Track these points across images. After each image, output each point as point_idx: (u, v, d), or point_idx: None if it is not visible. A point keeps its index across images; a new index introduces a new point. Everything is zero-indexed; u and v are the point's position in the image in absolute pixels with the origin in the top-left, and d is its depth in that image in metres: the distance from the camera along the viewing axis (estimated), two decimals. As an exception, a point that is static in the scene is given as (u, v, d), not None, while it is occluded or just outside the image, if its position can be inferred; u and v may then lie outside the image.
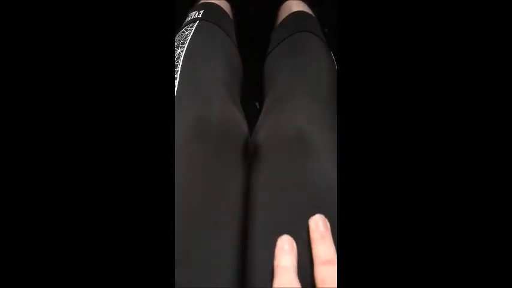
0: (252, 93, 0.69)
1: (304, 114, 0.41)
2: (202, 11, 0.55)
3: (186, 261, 0.31)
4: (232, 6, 0.64)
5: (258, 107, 0.79)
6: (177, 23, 0.58)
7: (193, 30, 0.51)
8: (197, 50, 0.48)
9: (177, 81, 0.44)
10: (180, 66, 0.46)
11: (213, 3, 0.59)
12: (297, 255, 0.29)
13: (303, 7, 0.61)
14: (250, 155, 0.41)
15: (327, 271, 0.27)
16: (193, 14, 0.55)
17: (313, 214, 0.31)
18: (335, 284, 0.26)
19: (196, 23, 0.53)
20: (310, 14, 0.60)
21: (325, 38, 0.56)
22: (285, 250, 0.29)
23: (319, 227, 0.30)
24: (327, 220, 0.31)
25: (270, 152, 0.38)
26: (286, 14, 0.60)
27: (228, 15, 0.60)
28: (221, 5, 0.59)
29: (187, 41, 0.49)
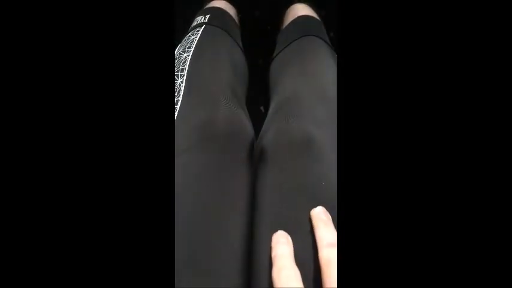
0: (257, 97, 0.69)
1: (311, 118, 0.41)
2: (208, 16, 0.55)
3: (192, 264, 0.31)
4: (238, 11, 0.64)
5: (263, 110, 0.79)
6: (184, 28, 0.58)
7: (199, 35, 0.52)
8: (203, 55, 0.49)
9: (183, 85, 0.45)
10: (187, 70, 0.46)
11: (219, 7, 0.59)
12: (292, 247, 0.30)
13: (308, 11, 0.61)
14: (255, 157, 0.41)
15: (332, 252, 0.27)
16: (200, 19, 0.56)
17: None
18: None
19: (203, 28, 0.53)
20: (316, 18, 0.60)
21: (331, 42, 0.56)
22: (281, 242, 0.30)
23: (321, 215, 0.31)
24: (328, 213, 0.32)
25: (277, 154, 0.38)
26: (292, 18, 0.60)
27: (234, 20, 0.60)
28: (227, 10, 0.59)
29: (194, 46, 0.50)
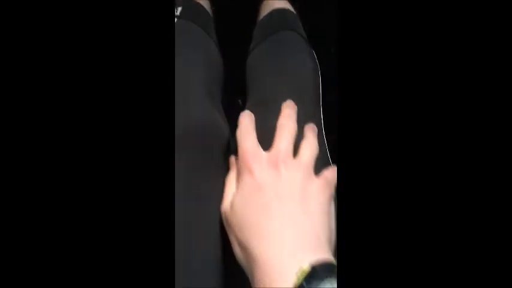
0: (234, 90, 0.68)
1: None
2: (179, 8, 0.53)
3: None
4: (212, 3, 0.62)
5: (241, 103, 0.78)
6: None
7: (171, 29, 0.50)
8: (176, 51, 0.47)
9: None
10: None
11: (191, -1, 0.57)
12: (254, 119, 0.38)
13: (284, 4, 0.60)
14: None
15: (283, 118, 0.37)
16: (171, 12, 0.54)
17: None
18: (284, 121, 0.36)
19: (175, 22, 0.51)
20: (291, 11, 0.59)
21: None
22: (246, 114, 0.38)
23: (291, 103, 0.39)
24: (295, 106, 0.39)
25: None
26: (268, 11, 0.59)
27: (207, 12, 0.58)
28: (199, 1, 0.57)
29: (165, 41, 0.48)
